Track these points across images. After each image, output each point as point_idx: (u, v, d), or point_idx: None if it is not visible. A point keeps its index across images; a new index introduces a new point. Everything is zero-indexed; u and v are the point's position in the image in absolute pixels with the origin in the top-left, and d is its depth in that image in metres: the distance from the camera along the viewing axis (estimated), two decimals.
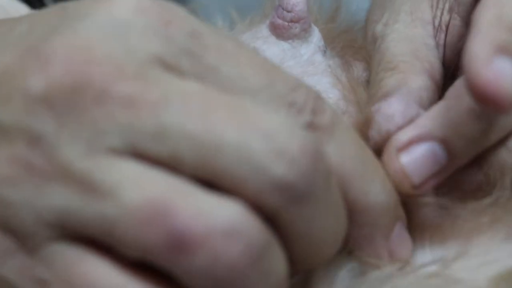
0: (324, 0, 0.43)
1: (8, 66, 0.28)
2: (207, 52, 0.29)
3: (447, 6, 0.38)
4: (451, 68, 0.38)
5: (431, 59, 0.37)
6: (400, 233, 0.32)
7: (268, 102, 0.29)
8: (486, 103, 0.30)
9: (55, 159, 0.27)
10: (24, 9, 0.47)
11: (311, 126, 0.29)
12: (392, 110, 0.34)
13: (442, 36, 0.38)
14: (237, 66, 0.29)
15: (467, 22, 0.38)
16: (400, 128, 0.33)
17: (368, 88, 0.38)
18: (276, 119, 0.28)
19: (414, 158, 0.33)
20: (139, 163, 0.27)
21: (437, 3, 0.38)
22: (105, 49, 0.28)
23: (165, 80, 0.28)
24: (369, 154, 0.32)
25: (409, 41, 0.37)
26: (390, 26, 0.38)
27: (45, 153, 0.28)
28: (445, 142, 0.33)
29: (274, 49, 0.40)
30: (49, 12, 0.30)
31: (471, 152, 0.33)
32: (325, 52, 0.40)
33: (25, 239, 0.28)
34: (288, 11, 0.39)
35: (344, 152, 0.30)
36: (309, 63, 0.40)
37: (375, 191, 0.31)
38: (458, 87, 0.34)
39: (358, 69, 0.40)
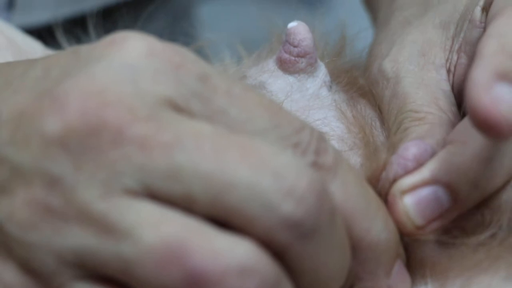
0: (330, 36, 0.44)
1: (24, 109, 0.29)
2: (216, 95, 0.30)
3: (457, 47, 0.39)
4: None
5: (452, 108, 0.37)
6: (400, 270, 0.33)
7: (275, 143, 0.30)
8: (486, 128, 0.30)
9: (72, 201, 0.28)
10: (38, 47, 0.48)
11: (315, 166, 0.30)
12: (407, 153, 0.34)
13: (456, 80, 0.39)
14: (245, 109, 0.30)
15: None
16: (409, 172, 0.34)
17: (384, 131, 0.39)
18: (284, 158, 0.29)
19: (418, 201, 0.33)
20: (154, 204, 0.28)
21: (451, 46, 0.39)
22: (118, 92, 0.29)
23: (176, 122, 0.29)
24: (371, 193, 0.32)
25: (428, 88, 0.38)
26: (402, 65, 0.39)
27: (62, 195, 0.28)
28: (449, 187, 0.33)
29: (280, 83, 0.40)
30: (62, 55, 0.31)
31: (476, 197, 0.34)
32: (330, 87, 0.41)
33: (46, 280, 0.29)
34: (295, 46, 0.40)
35: (347, 191, 0.31)
36: (314, 97, 0.40)
37: (378, 229, 0.31)
38: (462, 130, 0.34)
39: (361, 105, 0.41)
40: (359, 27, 0.46)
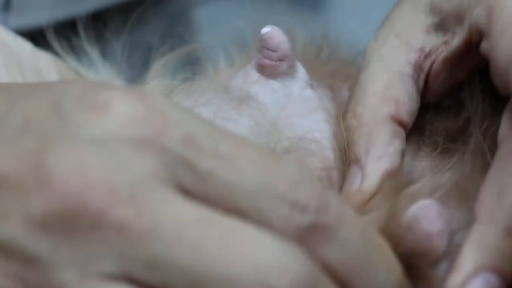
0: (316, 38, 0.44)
1: (7, 175, 0.29)
2: (202, 158, 0.29)
3: (444, 39, 0.39)
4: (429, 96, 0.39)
5: (399, 95, 0.38)
6: None
7: (268, 206, 0.29)
8: None
9: (50, 281, 0.28)
10: (28, 48, 0.48)
11: (313, 228, 0.29)
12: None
13: (427, 63, 0.39)
14: (233, 170, 0.29)
15: (447, 62, 0.39)
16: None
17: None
18: (269, 251, 0.28)
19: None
20: None
21: (435, 34, 0.39)
22: (99, 169, 0.28)
23: (157, 204, 0.28)
24: (373, 241, 0.31)
25: (385, 74, 0.38)
26: (378, 45, 0.40)
27: (40, 274, 0.28)
28: (495, 269, 0.32)
29: (266, 91, 0.40)
30: (43, 104, 0.30)
31: None
32: (312, 85, 0.41)
33: None
34: (274, 51, 0.40)
35: (348, 250, 0.30)
36: (301, 99, 0.40)
37: (382, 279, 0.30)
38: (485, 206, 0.33)
39: (343, 94, 0.42)
40: (351, 28, 0.45)
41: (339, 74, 0.42)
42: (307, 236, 0.29)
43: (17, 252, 0.28)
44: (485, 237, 0.32)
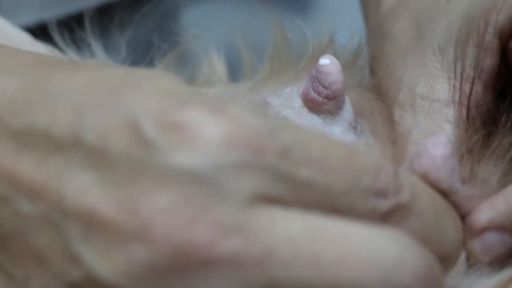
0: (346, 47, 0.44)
1: (99, 215, 0.27)
2: (299, 169, 0.28)
3: (465, 75, 0.39)
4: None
5: None
6: None
7: (360, 200, 0.29)
8: None
9: None
10: (26, 37, 0.48)
11: (397, 209, 0.30)
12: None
13: (464, 110, 0.39)
14: (327, 173, 0.29)
15: (488, 86, 0.40)
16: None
17: None
18: (384, 248, 0.28)
19: (485, 244, 0.35)
20: None
21: (454, 73, 0.40)
22: (200, 204, 0.27)
23: (266, 225, 0.27)
24: (441, 206, 0.32)
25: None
26: (408, 114, 0.40)
27: None
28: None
29: (305, 123, 0.39)
30: (117, 125, 0.28)
31: None
32: (355, 128, 0.40)
33: None
34: (325, 87, 0.38)
35: (425, 221, 0.31)
36: None
37: (452, 241, 0.32)
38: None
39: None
40: (347, 29, 0.46)
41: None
42: (390, 218, 0.30)
43: None
44: None
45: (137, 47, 0.47)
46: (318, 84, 0.38)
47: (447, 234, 0.32)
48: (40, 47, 0.47)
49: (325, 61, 0.38)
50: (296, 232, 0.27)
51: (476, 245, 0.35)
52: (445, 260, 0.31)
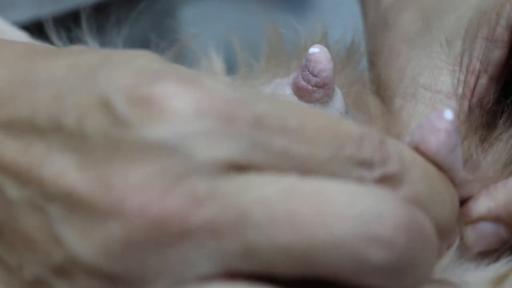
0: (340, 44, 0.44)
1: (77, 193, 0.27)
2: (274, 137, 0.28)
3: (471, 67, 0.39)
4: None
5: None
6: None
7: (343, 169, 0.29)
8: None
9: None
10: (24, 36, 0.48)
11: (385, 179, 0.29)
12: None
13: (466, 103, 0.39)
14: (305, 141, 0.28)
15: (493, 80, 0.39)
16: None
17: None
18: (364, 201, 0.27)
19: (479, 233, 0.35)
20: (232, 284, 0.27)
21: (460, 65, 0.39)
22: (172, 175, 0.27)
23: (239, 191, 0.27)
24: (436, 177, 0.32)
25: None
26: (409, 104, 0.40)
27: None
28: (510, 227, 0.35)
29: None
30: (92, 105, 0.28)
31: None
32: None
33: None
34: (314, 75, 0.38)
35: (417, 190, 0.30)
36: None
37: (447, 213, 0.32)
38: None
39: None
40: (342, 27, 0.46)
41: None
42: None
43: (100, 273, 0.27)
44: None
45: (133, 45, 0.47)
46: (308, 72, 0.38)
47: (442, 206, 0.31)
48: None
49: (315, 49, 0.38)
50: (271, 194, 0.27)
51: (470, 232, 0.35)
52: (441, 232, 0.31)
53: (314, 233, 0.27)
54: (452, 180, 0.33)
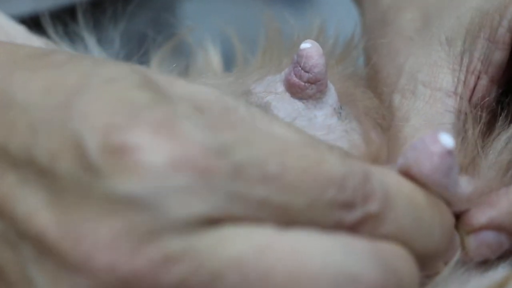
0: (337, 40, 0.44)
1: (45, 237, 0.27)
2: (253, 187, 0.27)
3: (472, 67, 0.39)
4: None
5: None
6: None
7: (324, 215, 0.28)
8: None
9: None
10: (21, 30, 0.48)
11: (366, 219, 0.28)
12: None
13: (465, 103, 0.39)
14: (284, 190, 0.27)
15: (493, 81, 0.39)
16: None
17: None
18: (337, 265, 0.27)
19: (480, 242, 0.35)
20: None
21: (460, 65, 0.39)
22: (143, 232, 0.26)
23: (215, 247, 0.26)
24: (422, 206, 0.31)
25: (427, 128, 0.38)
26: (408, 100, 0.39)
27: None
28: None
29: (286, 108, 0.38)
30: (64, 146, 0.27)
31: None
32: (340, 114, 0.39)
33: None
34: (306, 71, 0.37)
35: (401, 224, 0.29)
36: (324, 127, 0.38)
37: (437, 238, 0.31)
38: None
39: (374, 135, 0.40)
40: (343, 26, 0.45)
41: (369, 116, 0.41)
42: (360, 228, 0.28)
43: None
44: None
45: (131, 39, 0.47)
46: (300, 68, 0.38)
47: (430, 233, 0.30)
48: (34, 41, 0.47)
49: (306, 45, 0.37)
50: (244, 252, 0.26)
51: (471, 241, 0.34)
52: (431, 259, 0.30)
53: None
54: (447, 200, 0.32)
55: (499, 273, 0.35)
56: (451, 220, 0.32)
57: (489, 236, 0.34)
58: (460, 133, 0.39)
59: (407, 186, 0.30)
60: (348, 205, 0.28)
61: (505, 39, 0.38)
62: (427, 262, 0.31)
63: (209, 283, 0.26)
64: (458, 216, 0.35)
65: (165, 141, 0.26)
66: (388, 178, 0.30)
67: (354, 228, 0.28)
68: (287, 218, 0.27)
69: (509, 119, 0.39)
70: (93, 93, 0.28)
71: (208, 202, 0.26)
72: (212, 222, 0.26)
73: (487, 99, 0.39)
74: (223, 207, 0.26)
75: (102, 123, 0.27)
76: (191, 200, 0.26)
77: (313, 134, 0.36)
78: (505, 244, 0.34)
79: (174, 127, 0.27)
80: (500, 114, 0.39)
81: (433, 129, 0.38)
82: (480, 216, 0.34)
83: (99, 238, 0.26)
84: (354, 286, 0.26)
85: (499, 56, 0.39)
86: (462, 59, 0.39)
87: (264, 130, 0.29)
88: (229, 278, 0.26)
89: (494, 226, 0.34)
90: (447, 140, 0.30)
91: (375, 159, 0.38)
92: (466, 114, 0.39)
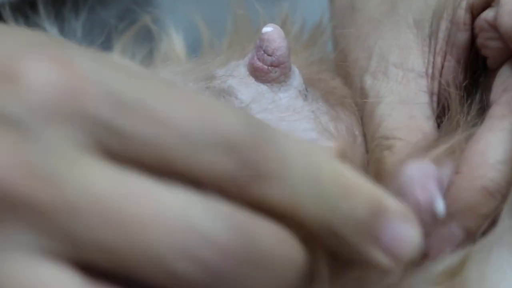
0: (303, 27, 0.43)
1: None
2: (125, 117, 0.27)
3: (438, 49, 0.39)
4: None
5: (429, 123, 0.38)
6: None
7: (203, 165, 0.27)
8: None
9: None
10: None
11: (254, 178, 0.27)
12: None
13: (436, 84, 0.39)
14: (156, 123, 0.27)
15: (460, 62, 0.39)
16: None
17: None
18: (193, 220, 0.26)
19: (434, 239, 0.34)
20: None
21: (428, 47, 0.39)
22: (14, 151, 0.26)
23: (77, 177, 0.26)
24: (328, 182, 0.28)
25: (403, 106, 0.38)
26: (381, 82, 0.39)
27: None
28: (461, 222, 0.34)
29: (250, 91, 0.38)
30: None
31: (484, 226, 0.34)
32: (306, 96, 0.39)
33: None
34: (269, 55, 0.38)
35: (296, 191, 0.28)
36: (289, 108, 0.38)
37: (361, 210, 0.28)
38: (468, 161, 0.35)
39: (343, 116, 0.39)
40: (311, 12, 0.45)
41: (333, 94, 0.40)
42: (247, 186, 0.27)
43: None
44: (462, 191, 0.34)
45: (93, 28, 0.46)
46: (262, 52, 0.38)
47: (355, 212, 0.28)
48: None
49: (268, 29, 0.37)
50: (107, 194, 0.26)
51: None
52: (339, 239, 0.28)
53: (137, 241, 0.26)
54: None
55: (453, 258, 0.34)
56: (366, 208, 0.29)
57: (444, 232, 0.34)
58: (434, 112, 0.39)
59: (327, 164, 0.28)
60: (236, 158, 0.27)
61: (465, 20, 0.39)
62: (337, 243, 0.28)
63: (63, 211, 0.26)
64: None
65: (48, 63, 0.27)
66: (294, 145, 0.28)
67: (241, 186, 0.27)
68: (164, 164, 0.27)
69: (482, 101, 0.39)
70: (5, 41, 0.28)
71: (78, 125, 0.26)
72: (89, 151, 0.26)
73: (455, 79, 0.39)
74: (94, 132, 0.26)
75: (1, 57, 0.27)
76: (60, 121, 0.26)
77: (278, 116, 0.37)
78: (457, 235, 0.34)
79: (60, 54, 0.27)
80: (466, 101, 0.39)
81: (408, 107, 0.38)
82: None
83: None
84: (205, 245, 0.26)
85: (461, 37, 0.39)
86: (430, 40, 0.39)
87: (159, 79, 0.29)
88: (86, 215, 0.26)
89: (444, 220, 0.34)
90: (441, 207, 0.32)
91: (345, 136, 0.38)
92: (437, 95, 0.39)
